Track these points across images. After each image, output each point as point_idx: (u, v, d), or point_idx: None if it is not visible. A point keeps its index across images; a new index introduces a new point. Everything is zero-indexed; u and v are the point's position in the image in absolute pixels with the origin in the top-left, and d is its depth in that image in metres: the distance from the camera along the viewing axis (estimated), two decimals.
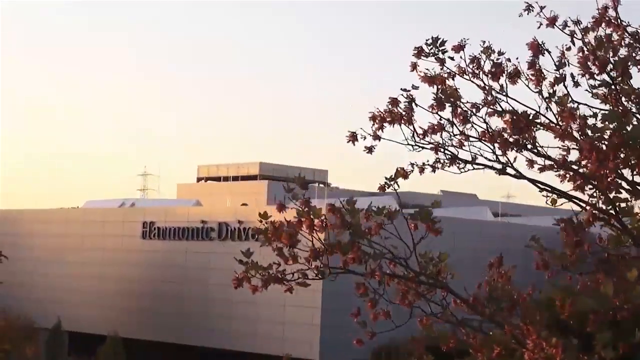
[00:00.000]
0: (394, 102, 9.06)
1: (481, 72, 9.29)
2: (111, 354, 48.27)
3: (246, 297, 48.41)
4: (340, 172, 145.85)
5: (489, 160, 9.27)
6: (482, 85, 9.25)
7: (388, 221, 8.87)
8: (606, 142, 8.16)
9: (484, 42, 9.30)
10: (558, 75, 9.14)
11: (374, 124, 9.24)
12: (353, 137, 9.34)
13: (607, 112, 8.63)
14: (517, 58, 9.56)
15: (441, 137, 9.12)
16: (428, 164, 9.13)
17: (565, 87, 9.17)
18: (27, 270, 57.52)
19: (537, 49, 9.08)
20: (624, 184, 8.87)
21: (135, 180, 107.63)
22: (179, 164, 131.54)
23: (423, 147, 9.16)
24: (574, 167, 9.01)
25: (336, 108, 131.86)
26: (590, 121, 8.66)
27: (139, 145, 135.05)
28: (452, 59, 9.35)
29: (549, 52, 9.21)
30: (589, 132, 8.51)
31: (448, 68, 9.31)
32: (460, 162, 9.19)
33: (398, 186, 9.00)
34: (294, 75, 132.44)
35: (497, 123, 9.13)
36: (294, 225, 8.99)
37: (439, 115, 9.08)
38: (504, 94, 9.19)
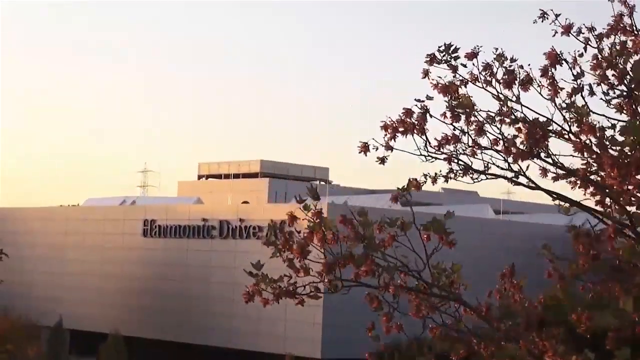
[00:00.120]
0: (408, 112, 8.92)
1: (494, 80, 9.16)
2: (113, 352, 48.20)
3: None
4: (341, 170, 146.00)
5: (501, 168, 9.15)
6: (497, 94, 9.10)
7: (401, 233, 8.73)
8: (628, 157, 8.03)
9: (497, 49, 9.20)
10: (576, 86, 9.00)
11: (386, 134, 9.10)
12: (365, 148, 9.19)
13: (625, 123, 8.50)
14: (529, 65, 9.44)
15: (455, 148, 8.99)
16: (441, 175, 9.01)
17: (583, 98, 9.04)
18: (27, 268, 57.43)
19: (555, 58, 8.95)
20: None
21: (136, 177, 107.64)
22: (179, 162, 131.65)
23: (436, 158, 9.03)
24: (592, 177, 8.87)
25: (337, 106, 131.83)
26: (607, 132, 8.54)
27: (140, 143, 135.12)
28: (464, 66, 9.23)
29: (567, 62, 9.07)
30: (608, 143, 8.38)
31: (460, 75, 9.18)
32: (473, 172, 9.06)
33: (410, 196, 8.86)
34: (294, 73, 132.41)
35: (510, 131, 9.01)
36: (305, 236, 8.81)
37: (454, 126, 8.94)
38: (519, 103, 9.04)
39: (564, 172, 8.93)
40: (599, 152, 8.53)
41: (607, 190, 8.55)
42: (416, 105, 8.97)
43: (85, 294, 54.92)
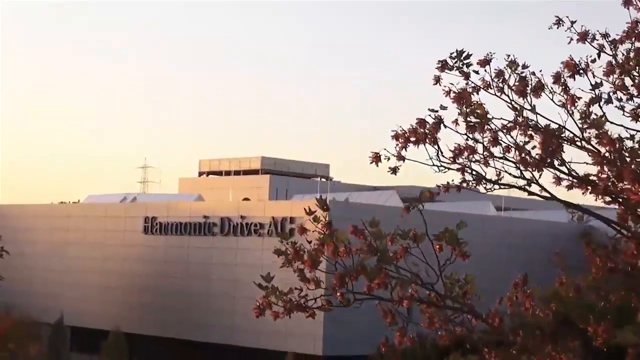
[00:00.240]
0: (422, 122, 8.79)
1: (506, 87, 9.03)
2: (114, 350, 48.14)
3: (248, 293, 48.13)
4: (342, 167, 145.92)
5: (514, 176, 9.03)
6: (511, 104, 8.97)
7: (414, 244, 8.58)
8: None
9: (509, 55, 9.07)
10: (593, 95, 8.88)
11: (397, 144, 8.95)
12: (376, 158, 9.05)
13: None
14: (540, 71, 9.32)
15: (468, 159, 8.86)
16: (453, 184, 8.87)
17: (601, 108, 8.92)
18: (28, 265, 57.31)
19: (574, 68, 8.81)
20: None
21: (136, 173, 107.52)
22: (180, 159, 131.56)
23: (449, 168, 8.89)
24: (606, 185, 8.74)
25: (338, 103, 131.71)
26: (625, 142, 8.42)
27: (141, 140, 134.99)
28: (476, 72, 9.10)
29: (585, 72, 8.95)
30: (627, 155, 8.26)
31: (472, 82, 9.05)
32: (486, 182, 8.94)
33: (422, 206, 8.72)
34: (295, 70, 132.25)
35: (522, 138, 8.88)
36: (316, 249, 8.65)
37: (468, 136, 8.81)
38: (535, 112, 8.91)
39: (580, 181, 8.78)
40: (618, 164, 8.38)
41: (626, 202, 8.41)
42: (430, 115, 8.83)
43: (86, 291, 54.82)
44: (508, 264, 48.66)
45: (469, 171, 8.88)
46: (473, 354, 8.93)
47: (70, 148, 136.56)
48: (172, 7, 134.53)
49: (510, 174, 9.14)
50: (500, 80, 9.11)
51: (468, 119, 8.75)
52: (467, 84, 9.10)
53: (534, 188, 9.06)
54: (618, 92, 8.97)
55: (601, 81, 9.02)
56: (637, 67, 8.89)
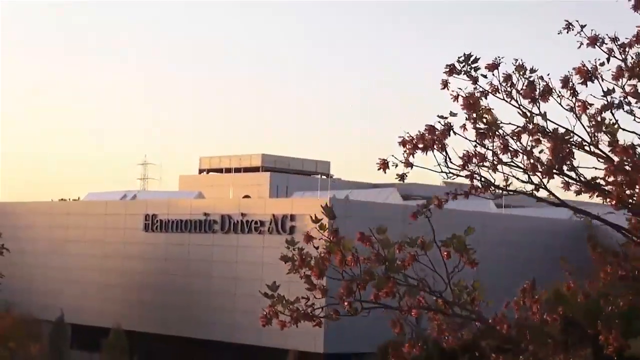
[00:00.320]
0: (431, 129, 8.73)
1: (514, 91, 8.97)
2: (115, 347, 48.12)
3: (249, 290, 48.28)
4: (342, 164, 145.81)
5: (522, 181, 8.98)
6: (521, 111, 8.91)
7: (422, 252, 8.52)
8: None
9: (516, 59, 9.01)
10: (606, 102, 8.82)
11: (405, 150, 8.89)
12: (384, 165, 8.98)
13: None
14: (548, 74, 9.26)
15: (477, 166, 8.80)
16: (462, 191, 8.81)
17: (613, 115, 8.86)
18: (29, 262, 57.27)
19: (586, 75, 8.75)
20: None
21: (136, 170, 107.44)
22: (181, 156, 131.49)
23: (458, 175, 8.84)
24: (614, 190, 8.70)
25: (338, 100, 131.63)
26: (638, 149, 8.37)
27: (141, 137, 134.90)
28: (484, 76, 9.04)
29: (597, 78, 8.89)
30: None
31: (480, 86, 8.99)
32: (495, 188, 8.88)
33: (430, 213, 8.66)
34: (295, 67, 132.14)
35: (531, 143, 8.82)
36: (322, 257, 8.58)
37: (477, 143, 8.75)
38: (545, 119, 8.86)
39: (589, 188, 8.74)
40: (630, 171, 8.33)
41: (637, 208, 8.36)
42: (439, 122, 8.77)
43: (86, 288, 54.80)
44: (508, 261, 48.66)
45: (478, 178, 8.82)
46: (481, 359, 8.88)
47: (71, 146, 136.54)
48: (172, 7, 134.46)
49: (517, 178, 9.10)
50: (508, 85, 9.05)
51: (477, 125, 8.69)
52: (475, 88, 9.05)
53: (542, 193, 9.01)
54: (629, 97, 8.91)
55: (613, 88, 8.97)
56: None
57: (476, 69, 9.10)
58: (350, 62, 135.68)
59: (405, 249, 8.64)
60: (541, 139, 8.71)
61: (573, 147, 8.95)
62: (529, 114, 8.88)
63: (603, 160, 8.83)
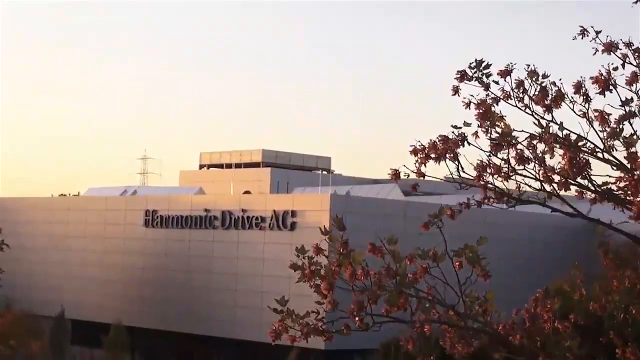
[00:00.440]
0: (445, 140, 8.61)
1: (526, 97, 8.85)
2: (115, 343, 48.08)
3: (250, 286, 48.26)
4: (343, 159, 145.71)
5: (534, 189, 8.86)
6: (537, 121, 8.79)
7: (433, 264, 8.40)
8: None
9: (529, 65, 8.89)
10: (624, 112, 8.69)
11: (417, 160, 8.77)
12: (395, 175, 8.87)
13: None
14: (560, 79, 9.14)
15: (491, 176, 8.68)
16: (474, 200, 8.70)
17: (631, 125, 8.75)
18: (29, 258, 57.18)
19: (605, 84, 8.62)
20: None
21: (136, 164, 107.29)
22: (181, 151, 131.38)
23: (471, 185, 8.73)
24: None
25: (339, 95, 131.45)
26: None
27: (142, 133, 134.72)
28: (496, 82, 8.92)
29: (616, 88, 8.77)
30: None
31: (492, 93, 8.87)
32: (509, 199, 8.77)
33: (442, 223, 8.54)
34: (296, 62, 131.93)
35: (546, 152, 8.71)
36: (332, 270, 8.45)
37: (492, 153, 8.63)
38: (562, 128, 8.74)
39: (605, 197, 8.63)
40: None
41: None
42: (453, 132, 8.65)
43: (86, 284, 54.73)
44: (509, 257, 48.56)
45: (492, 187, 8.71)
46: None
47: (71, 141, 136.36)
48: (173, 3, 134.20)
49: (529, 186, 8.98)
50: (520, 91, 8.93)
51: (492, 136, 8.57)
52: (487, 95, 8.93)
53: (554, 203, 8.90)
54: None
55: (632, 97, 8.85)
56: None
57: (488, 75, 8.98)
58: (350, 57, 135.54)
59: (417, 260, 8.51)
60: (556, 148, 8.59)
61: (586, 154, 8.84)
62: (545, 124, 8.75)
63: (617, 168, 8.73)
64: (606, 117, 8.78)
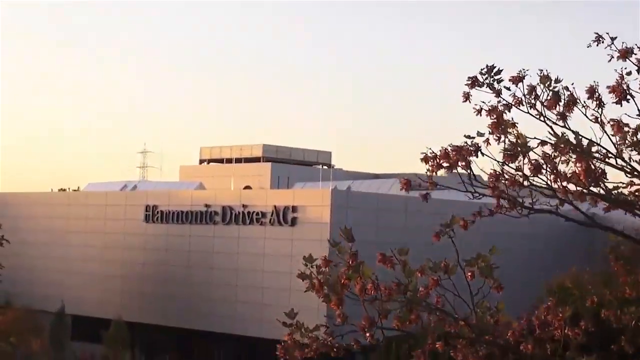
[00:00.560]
0: (458, 150, 8.47)
1: (538, 103, 8.71)
2: (116, 339, 48.01)
3: (251, 282, 48.16)
4: (343, 154, 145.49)
5: (546, 196, 8.73)
6: (552, 132, 8.65)
7: (445, 276, 8.26)
8: None
9: (541, 70, 8.74)
10: None
11: (429, 169, 8.63)
12: (407, 185, 8.73)
13: None
14: (572, 84, 9.00)
15: (510, 188, 8.53)
16: (486, 209, 8.57)
17: None
18: (29, 253, 57.07)
19: (623, 94, 8.47)
20: None
21: (135, 158, 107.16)
22: (181, 146, 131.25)
23: (484, 195, 8.60)
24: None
25: (339, 89, 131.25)
26: None
27: (142, 128, 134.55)
28: (508, 89, 8.78)
29: (633, 98, 8.63)
30: None
31: (504, 99, 8.73)
32: (522, 208, 8.63)
33: (454, 233, 8.40)
34: (297, 57, 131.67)
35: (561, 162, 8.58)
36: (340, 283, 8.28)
37: (507, 164, 8.49)
38: (578, 136, 8.60)
39: (620, 205, 8.51)
40: None
41: None
42: (466, 143, 8.50)
43: (87, 279, 54.63)
44: (510, 252, 48.45)
45: (505, 197, 8.57)
46: None
47: (71, 135, 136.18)
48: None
49: (543, 193, 8.85)
50: (532, 97, 8.79)
51: (505, 147, 8.43)
52: (499, 102, 8.79)
53: (566, 210, 8.78)
54: None
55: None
56: None
57: (499, 81, 8.84)
58: (350, 52, 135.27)
59: (428, 273, 8.36)
60: (570, 157, 8.46)
61: (599, 161, 8.72)
62: (560, 134, 8.61)
63: (630, 174, 8.61)
64: (622, 126, 8.64)
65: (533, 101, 8.87)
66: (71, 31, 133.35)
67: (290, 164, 67.81)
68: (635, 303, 8.82)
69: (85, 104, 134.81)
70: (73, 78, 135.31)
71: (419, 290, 8.25)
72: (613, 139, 8.85)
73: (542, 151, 8.61)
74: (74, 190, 66.83)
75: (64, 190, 68.41)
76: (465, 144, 8.58)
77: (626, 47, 8.81)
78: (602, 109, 8.89)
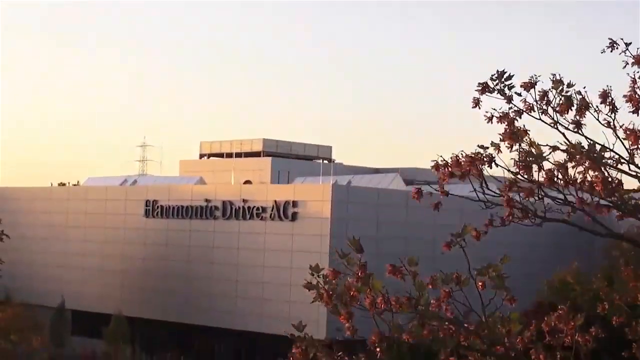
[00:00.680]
0: (472, 161, 8.32)
1: (550, 109, 8.57)
2: (116, 333, 47.94)
3: (252, 277, 48.07)
4: (344, 148, 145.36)
5: (558, 202, 8.59)
6: (567, 142, 8.50)
7: (457, 288, 8.11)
8: None
9: (554, 74, 8.60)
10: None
11: (439, 176, 8.49)
12: (418, 194, 8.59)
13: None
14: (584, 88, 8.86)
15: (526, 198, 8.39)
16: (497, 217, 8.43)
17: None
18: (29, 248, 56.95)
19: (638, 103, 8.33)
20: None
21: (135, 152, 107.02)
22: (181, 140, 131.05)
23: (496, 204, 8.45)
24: None
25: (340, 84, 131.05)
26: None
27: (142, 122, 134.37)
28: (519, 94, 8.63)
29: None
30: None
31: (515, 105, 8.58)
32: (535, 217, 8.50)
33: (465, 243, 8.26)
34: (297, 51, 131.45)
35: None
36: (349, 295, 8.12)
37: (522, 175, 8.35)
38: (593, 142, 8.46)
39: (633, 214, 8.38)
40: None
41: None
42: (481, 152, 8.35)
43: (86, 274, 54.54)
44: (510, 246, 48.27)
45: (518, 206, 8.44)
46: None
47: (71, 130, 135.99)
48: None
49: (552, 198, 8.72)
50: (544, 103, 8.65)
51: (519, 154, 8.29)
52: (510, 108, 8.65)
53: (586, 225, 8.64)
54: None
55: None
56: None
57: (510, 87, 8.69)
58: (351, 46, 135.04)
59: (439, 286, 8.21)
60: (585, 166, 8.34)
61: (610, 166, 8.59)
62: (575, 143, 8.47)
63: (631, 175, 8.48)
64: (639, 137, 8.50)
65: (545, 107, 8.73)
66: (71, 29, 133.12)
67: (291, 158, 67.62)
68: None
69: (85, 98, 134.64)
70: (73, 72, 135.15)
71: (430, 304, 8.10)
72: (626, 143, 8.72)
73: (556, 161, 8.47)
74: (74, 185, 66.61)
75: (64, 184, 68.17)
76: (479, 154, 8.44)
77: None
78: (614, 114, 8.76)
